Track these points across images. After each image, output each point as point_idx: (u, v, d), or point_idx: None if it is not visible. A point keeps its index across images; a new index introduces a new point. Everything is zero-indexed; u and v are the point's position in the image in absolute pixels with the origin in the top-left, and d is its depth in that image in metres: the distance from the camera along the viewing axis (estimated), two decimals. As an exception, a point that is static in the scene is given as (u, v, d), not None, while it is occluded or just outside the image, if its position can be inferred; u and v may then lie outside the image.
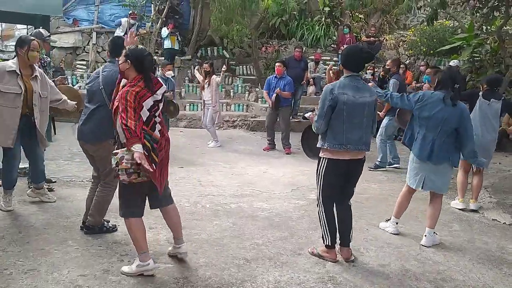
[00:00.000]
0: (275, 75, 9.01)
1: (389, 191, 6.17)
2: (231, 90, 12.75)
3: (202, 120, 9.29)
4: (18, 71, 4.46)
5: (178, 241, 3.68)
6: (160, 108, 3.38)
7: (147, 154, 3.20)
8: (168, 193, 3.64)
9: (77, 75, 12.74)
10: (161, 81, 3.47)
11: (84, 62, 13.12)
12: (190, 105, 11.87)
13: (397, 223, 4.60)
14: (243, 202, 5.40)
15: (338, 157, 3.70)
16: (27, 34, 4.82)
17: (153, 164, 3.24)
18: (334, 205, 3.90)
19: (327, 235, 3.84)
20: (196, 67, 9.68)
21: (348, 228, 3.92)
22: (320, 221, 3.89)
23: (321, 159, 3.80)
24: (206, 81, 8.82)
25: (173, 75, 8.76)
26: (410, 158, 4.47)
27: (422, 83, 7.32)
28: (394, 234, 4.53)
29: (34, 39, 4.58)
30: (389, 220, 4.66)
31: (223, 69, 9.20)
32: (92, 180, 4.31)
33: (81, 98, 5.14)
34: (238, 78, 13.16)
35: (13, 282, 3.22)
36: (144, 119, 3.24)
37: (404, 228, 4.74)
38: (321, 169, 3.79)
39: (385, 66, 8.02)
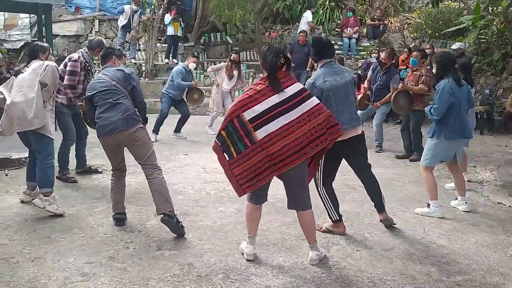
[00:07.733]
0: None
1: (393, 175, 6.15)
2: (235, 76, 12.65)
3: (218, 108, 8.93)
4: None
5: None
6: None
7: None
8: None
9: (81, 63, 12.73)
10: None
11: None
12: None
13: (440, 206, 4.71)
14: (248, 188, 5.40)
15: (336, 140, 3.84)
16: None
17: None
18: (359, 176, 4.25)
19: (333, 211, 4.10)
20: (209, 68, 9.28)
21: (378, 194, 4.20)
22: (324, 203, 4.12)
23: None
24: (235, 70, 8.77)
25: (195, 67, 8.81)
26: (434, 142, 4.64)
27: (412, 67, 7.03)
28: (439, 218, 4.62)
29: None
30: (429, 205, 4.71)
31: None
32: (113, 173, 4.22)
33: None
34: (242, 64, 13.00)
35: (20, 270, 3.27)
36: None
37: (408, 212, 4.74)
38: None
39: (381, 60, 7.45)
